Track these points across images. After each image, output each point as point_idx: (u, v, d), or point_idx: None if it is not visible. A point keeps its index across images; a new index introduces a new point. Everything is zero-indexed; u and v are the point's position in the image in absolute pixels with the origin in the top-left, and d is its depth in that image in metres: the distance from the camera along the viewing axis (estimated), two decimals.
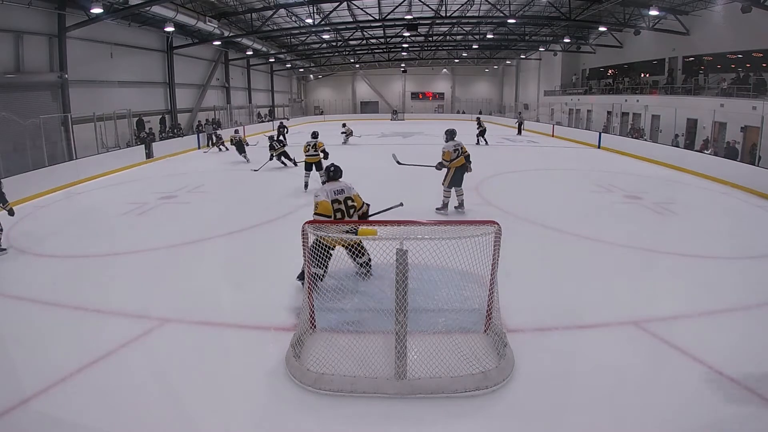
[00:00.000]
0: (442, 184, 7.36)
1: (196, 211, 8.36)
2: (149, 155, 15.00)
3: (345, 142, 18.75)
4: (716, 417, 2.88)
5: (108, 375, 3.34)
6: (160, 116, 18.58)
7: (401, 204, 5.50)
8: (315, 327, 3.75)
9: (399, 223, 3.38)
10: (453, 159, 7.16)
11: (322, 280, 4.07)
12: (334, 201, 4.35)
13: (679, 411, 2.93)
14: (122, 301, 4.51)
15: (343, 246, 4.11)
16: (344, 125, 19.85)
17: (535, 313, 4.18)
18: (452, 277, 3.79)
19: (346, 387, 3.09)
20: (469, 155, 7.34)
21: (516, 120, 24.82)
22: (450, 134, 7.41)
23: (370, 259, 4.37)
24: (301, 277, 4.54)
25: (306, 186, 9.51)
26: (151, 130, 16.82)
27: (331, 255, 4.10)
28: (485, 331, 3.69)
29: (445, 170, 7.31)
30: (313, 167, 9.48)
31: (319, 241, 3.89)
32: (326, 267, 4.14)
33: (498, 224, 3.32)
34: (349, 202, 4.46)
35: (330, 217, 4.25)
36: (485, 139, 18.31)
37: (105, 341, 3.73)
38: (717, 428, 2.81)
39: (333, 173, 4.58)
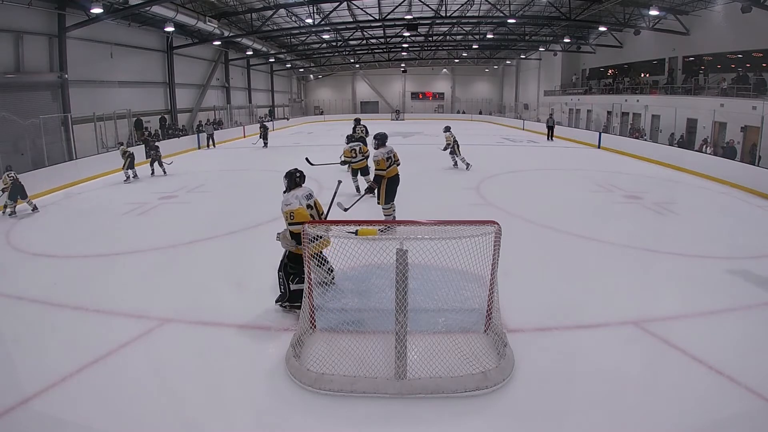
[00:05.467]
0: (378, 203, 6.45)
1: (196, 211, 8.36)
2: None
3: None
4: (716, 417, 2.88)
5: (108, 375, 3.34)
6: (160, 116, 18.58)
7: (340, 182, 5.42)
8: (315, 327, 3.75)
9: (399, 223, 3.38)
10: (388, 167, 6.29)
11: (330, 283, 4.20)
12: (306, 207, 4.08)
13: (678, 411, 2.93)
14: (122, 301, 4.51)
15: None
16: (448, 128, 12.53)
17: (535, 313, 4.18)
18: (452, 277, 3.79)
19: (346, 387, 3.09)
20: (400, 163, 6.54)
21: (546, 123, 21.33)
22: (381, 139, 6.44)
23: (331, 268, 4.20)
24: (281, 299, 4.22)
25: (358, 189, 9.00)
26: (155, 132, 16.55)
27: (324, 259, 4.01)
28: (485, 331, 3.69)
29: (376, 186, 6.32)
30: (359, 173, 9.04)
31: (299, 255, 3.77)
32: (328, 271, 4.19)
33: (498, 224, 3.32)
34: (318, 208, 4.31)
35: None
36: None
37: (105, 341, 3.73)
38: (717, 428, 2.81)
39: (299, 179, 4.26)
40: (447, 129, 12.38)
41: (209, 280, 5.08)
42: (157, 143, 12.53)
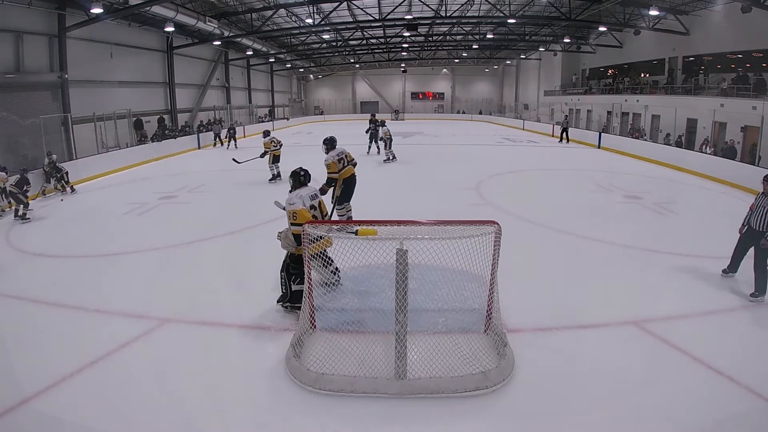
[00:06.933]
0: (332, 202, 6.30)
1: (196, 211, 8.36)
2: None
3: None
4: (716, 417, 2.88)
5: (108, 375, 3.35)
6: (159, 116, 18.56)
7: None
8: (315, 327, 3.75)
9: (399, 223, 3.37)
10: (340, 169, 6.20)
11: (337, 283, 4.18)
12: (310, 207, 4.12)
13: (678, 411, 2.93)
14: (122, 301, 4.51)
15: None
16: (383, 123, 15.01)
17: (535, 313, 4.19)
18: (452, 277, 3.79)
19: (346, 387, 3.09)
20: (356, 163, 6.51)
21: (560, 124, 20.36)
22: (330, 143, 6.39)
23: (337, 268, 4.19)
24: (282, 299, 4.24)
25: (279, 176, 10.72)
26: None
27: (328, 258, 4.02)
28: (485, 331, 3.69)
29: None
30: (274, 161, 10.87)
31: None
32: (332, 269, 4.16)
33: (498, 224, 3.32)
34: (322, 208, 4.30)
35: None
36: (377, 146, 14.77)
37: (105, 341, 3.73)
38: (717, 428, 2.81)
39: (304, 178, 4.28)
40: (383, 123, 14.60)
41: (209, 280, 5.08)
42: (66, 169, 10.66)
